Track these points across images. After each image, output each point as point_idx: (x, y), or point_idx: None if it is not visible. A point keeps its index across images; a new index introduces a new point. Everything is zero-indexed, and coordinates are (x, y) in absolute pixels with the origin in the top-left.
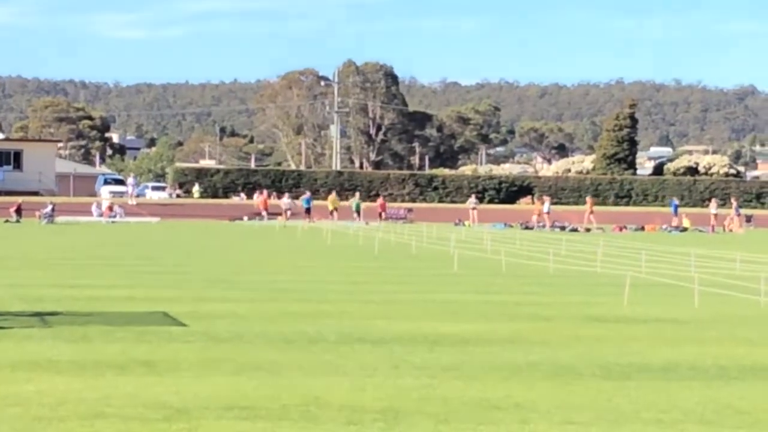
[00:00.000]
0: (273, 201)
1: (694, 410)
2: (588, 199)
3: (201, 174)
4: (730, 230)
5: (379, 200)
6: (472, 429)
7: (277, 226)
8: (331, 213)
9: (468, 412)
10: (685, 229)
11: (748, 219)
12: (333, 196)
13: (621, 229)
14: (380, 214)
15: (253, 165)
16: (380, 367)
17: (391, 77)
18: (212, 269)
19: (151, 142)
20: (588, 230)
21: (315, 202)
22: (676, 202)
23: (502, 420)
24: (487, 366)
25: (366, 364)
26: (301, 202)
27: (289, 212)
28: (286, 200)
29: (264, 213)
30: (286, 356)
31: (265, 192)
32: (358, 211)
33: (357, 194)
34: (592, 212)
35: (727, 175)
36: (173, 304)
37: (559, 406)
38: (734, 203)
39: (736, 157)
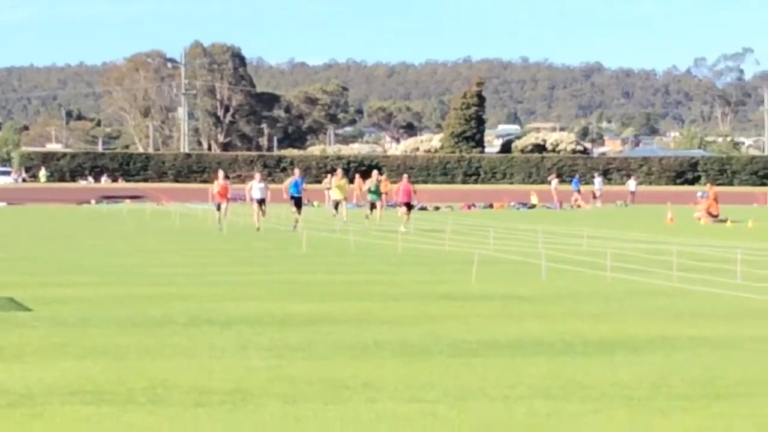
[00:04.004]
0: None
1: (540, 385)
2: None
3: (47, 158)
4: (578, 206)
5: (403, 183)
6: (320, 408)
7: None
8: (337, 205)
9: (316, 391)
10: (533, 206)
11: (595, 195)
12: (339, 177)
13: (469, 207)
14: (408, 206)
15: (100, 148)
16: (228, 348)
17: (239, 58)
18: (59, 254)
19: None
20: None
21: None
22: (578, 179)
23: (350, 399)
24: (335, 345)
25: (214, 345)
26: (286, 188)
27: (258, 206)
28: (256, 184)
29: (224, 204)
30: (133, 340)
31: (221, 174)
32: (376, 198)
33: (375, 172)
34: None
35: (574, 151)
36: (19, 290)
37: (407, 384)
38: (598, 179)
39: (583, 134)
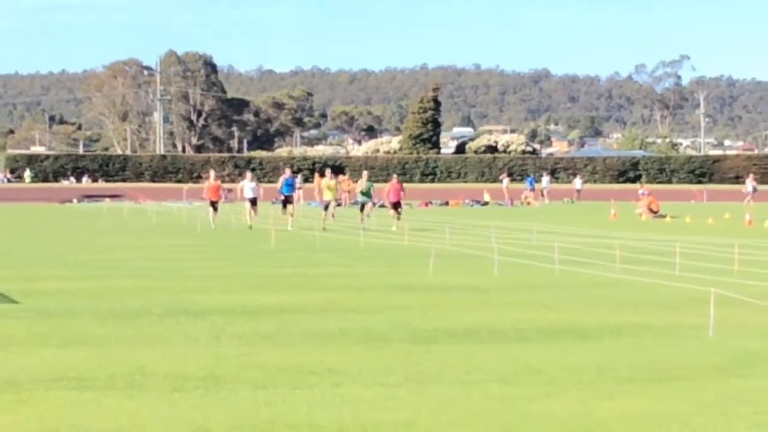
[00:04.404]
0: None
1: (494, 370)
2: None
3: (32, 160)
4: (528, 203)
5: (393, 183)
6: (289, 393)
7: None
8: (327, 206)
9: (284, 377)
10: (486, 203)
11: (542, 192)
12: (329, 178)
13: (427, 205)
14: (396, 205)
15: (81, 151)
16: (202, 337)
17: (211, 66)
18: (43, 249)
19: None
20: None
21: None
22: (532, 178)
23: (317, 384)
24: (302, 334)
25: (189, 335)
26: (278, 187)
27: (250, 206)
28: (248, 184)
29: (212, 207)
30: (112, 329)
31: (212, 174)
32: (368, 198)
33: (365, 173)
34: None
35: (524, 152)
36: (5, 283)
37: (369, 370)
38: (545, 178)
39: (532, 135)
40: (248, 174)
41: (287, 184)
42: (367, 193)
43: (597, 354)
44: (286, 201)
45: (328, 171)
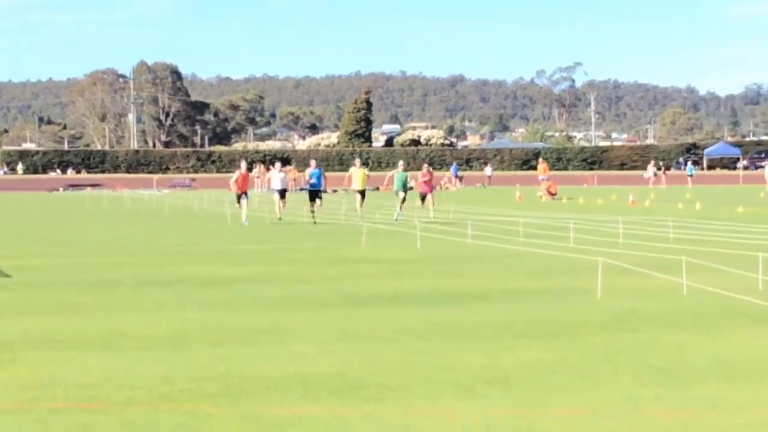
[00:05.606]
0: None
1: (413, 329)
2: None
3: (24, 155)
4: (447, 188)
5: (424, 171)
6: (241, 350)
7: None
8: (361, 193)
9: (238, 336)
10: (410, 188)
11: (460, 179)
12: (358, 167)
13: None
14: (424, 198)
15: (66, 147)
16: (168, 304)
17: (177, 74)
18: (34, 231)
19: None
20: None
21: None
22: (457, 166)
23: (265, 342)
24: (254, 300)
25: (157, 301)
26: (306, 179)
27: (279, 198)
28: (276, 174)
29: (243, 199)
30: (92, 298)
31: (243, 164)
32: (403, 190)
33: (401, 163)
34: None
35: (443, 145)
36: (0, 260)
37: (311, 329)
38: (453, 165)
39: (450, 130)
40: (277, 164)
41: (316, 177)
42: (403, 184)
43: (500, 314)
44: (314, 194)
45: (357, 160)
